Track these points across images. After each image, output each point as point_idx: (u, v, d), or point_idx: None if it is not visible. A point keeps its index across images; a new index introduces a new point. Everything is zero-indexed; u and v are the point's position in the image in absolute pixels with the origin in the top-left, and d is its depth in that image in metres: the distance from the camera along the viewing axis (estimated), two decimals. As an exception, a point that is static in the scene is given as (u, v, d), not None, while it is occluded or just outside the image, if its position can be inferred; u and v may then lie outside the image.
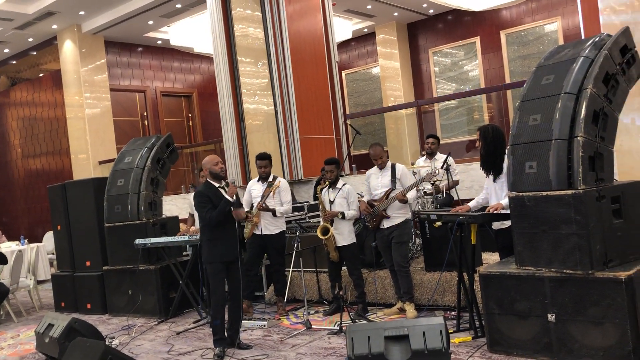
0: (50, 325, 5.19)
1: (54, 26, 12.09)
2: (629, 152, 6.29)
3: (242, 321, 5.78)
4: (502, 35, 12.73)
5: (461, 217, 4.53)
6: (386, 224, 5.52)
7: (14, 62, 14.22)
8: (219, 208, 4.84)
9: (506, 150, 4.57)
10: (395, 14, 13.32)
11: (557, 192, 3.80)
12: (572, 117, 3.81)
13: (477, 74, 13.26)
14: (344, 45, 14.59)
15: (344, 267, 5.98)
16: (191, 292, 6.50)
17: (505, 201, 4.40)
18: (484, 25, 13.03)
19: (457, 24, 13.51)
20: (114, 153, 12.35)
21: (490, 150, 4.63)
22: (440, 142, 7.32)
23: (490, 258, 5.80)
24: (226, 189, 4.94)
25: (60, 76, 12.82)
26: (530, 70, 12.51)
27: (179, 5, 11.19)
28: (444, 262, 5.19)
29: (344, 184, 5.88)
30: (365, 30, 14.40)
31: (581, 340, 3.72)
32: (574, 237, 3.74)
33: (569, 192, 3.74)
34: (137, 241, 6.54)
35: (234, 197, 4.89)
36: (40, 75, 13.83)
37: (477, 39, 13.13)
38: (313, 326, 5.47)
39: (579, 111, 3.79)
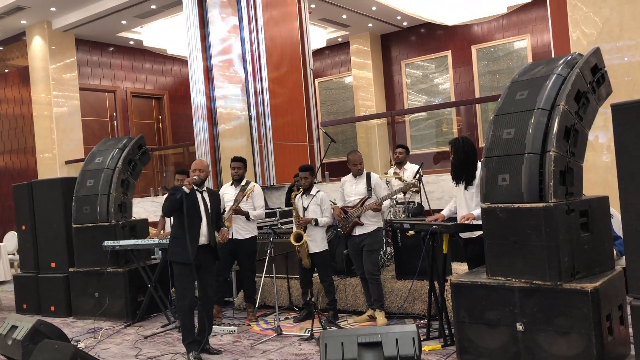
0: (14, 327, 5.04)
1: (23, 21, 11.84)
2: (594, 167, 6.51)
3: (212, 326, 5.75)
4: (473, 50, 13.01)
5: (434, 227, 4.61)
6: (358, 231, 5.56)
7: (-21, 56, 13.85)
8: (171, 197, 4.84)
9: (478, 161, 4.69)
10: (370, 24, 13.49)
11: (528, 205, 3.91)
12: (544, 132, 3.93)
13: (447, 87, 13.52)
14: (317, 53, 14.68)
15: (316, 274, 5.99)
16: (159, 296, 6.42)
17: (477, 212, 4.50)
18: (456, 39, 13.30)
19: (429, 37, 13.76)
20: (82, 153, 12.13)
21: (461, 159, 4.72)
22: (410, 153, 7.45)
23: (460, 268, 5.91)
24: (204, 195, 5.04)
25: (27, 73, 12.54)
26: (500, 85, 12.78)
27: (153, 6, 11.10)
28: (414, 270, 5.28)
29: (317, 191, 5.91)
30: (340, 39, 14.53)
31: (548, 349, 3.81)
32: (544, 249, 3.85)
33: (540, 204, 3.85)
34: (106, 243, 6.43)
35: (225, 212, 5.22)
36: (7, 70, 13.49)
37: (449, 53, 13.40)
38: (284, 332, 5.47)
39: (552, 127, 3.91)
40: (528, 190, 3.93)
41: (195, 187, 4.96)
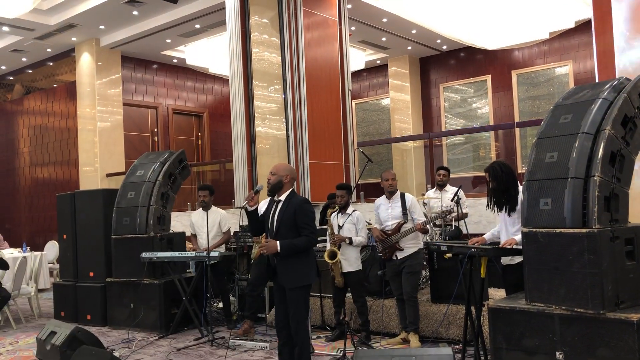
0: (53, 333, 5.16)
1: (74, 38, 12.28)
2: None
3: (244, 342, 5.77)
4: (514, 75, 12.90)
5: (472, 250, 4.54)
6: (399, 255, 5.53)
7: (30, 71, 14.40)
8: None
9: (519, 185, 4.60)
10: (409, 47, 13.53)
11: (571, 230, 3.82)
12: (589, 157, 3.85)
13: (485, 111, 13.41)
14: (355, 75, 14.76)
15: (349, 294, 5.96)
16: (193, 309, 6.47)
17: (518, 237, 4.41)
18: (496, 64, 13.22)
19: (469, 61, 13.71)
20: (123, 166, 12.42)
21: (503, 188, 4.62)
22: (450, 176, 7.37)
23: (497, 294, 5.79)
24: (279, 206, 4.39)
25: (74, 88, 12.97)
26: (540, 111, 12.59)
27: (197, 26, 11.38)
28: (450, 294, 5.20)
29: (353, 210, 5.90)
30: (378, 61, 14.60)
31: (589, 380, 3.69)
32: (587, 276, 3.74)
33: (583, 230, 3.76)
34: (144, 254, 6.54)
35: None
36: (55, 85, 13.98)
37: (489, 77, 13.32)
38: (316, 351, 5.44)
39: (597, 151, 3.83)
40: (571, 215, 3.84)
41: (275, 197, 4.43)
